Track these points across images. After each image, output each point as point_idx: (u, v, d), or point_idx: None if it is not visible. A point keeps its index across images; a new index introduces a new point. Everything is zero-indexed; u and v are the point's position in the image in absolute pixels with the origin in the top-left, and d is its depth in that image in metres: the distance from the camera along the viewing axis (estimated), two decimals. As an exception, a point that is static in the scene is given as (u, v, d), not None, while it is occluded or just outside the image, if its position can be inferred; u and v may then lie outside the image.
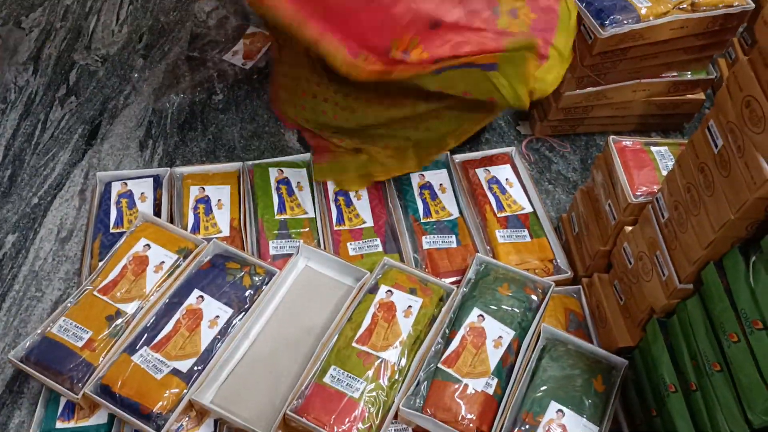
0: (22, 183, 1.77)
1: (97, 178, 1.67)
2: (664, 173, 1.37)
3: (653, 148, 1.43)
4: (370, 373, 1.25)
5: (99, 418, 1.27)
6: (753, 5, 1.63)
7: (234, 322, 1.34)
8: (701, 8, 1.61)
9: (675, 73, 1.78)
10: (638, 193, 1.34)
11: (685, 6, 1.61)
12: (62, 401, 1.28)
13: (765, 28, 0.94)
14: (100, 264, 1.43)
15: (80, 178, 1.77)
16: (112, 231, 1.54)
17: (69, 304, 1.35)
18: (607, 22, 1.59)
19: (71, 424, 1.26)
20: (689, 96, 1.82)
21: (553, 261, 1.53)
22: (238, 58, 2.15)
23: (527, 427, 1.20)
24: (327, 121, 1.62)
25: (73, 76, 2.09)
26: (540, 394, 1.24)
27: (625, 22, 1.59)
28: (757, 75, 0.98)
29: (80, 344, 1.28)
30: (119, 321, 1.32)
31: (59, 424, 1.26)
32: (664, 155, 1.41)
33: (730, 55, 2.01)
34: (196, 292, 1.37)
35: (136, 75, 2.08)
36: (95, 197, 1.64)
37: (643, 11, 1.60)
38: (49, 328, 1.31)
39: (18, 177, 1.78)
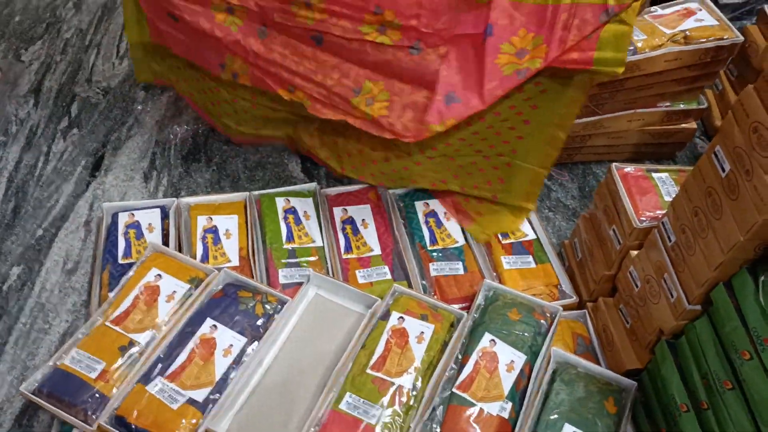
0: (26, 215, 1.77)
1: (103, 209, 1.67)
2: (667, 198, 1.41)
3: (654, 175, 1.47)
4: (385, 399, 1.26)
5: (114, 450, 1.26)
6: (742, 38, 1.70)
7: (247, 350, 1.35)
8: (694, 41, 1.67)
9: (668, 103, 1.84)
10: (643, 218, 1.38)
11: (678, 39, 1.67)
12: (75, 432, 1.28)
13: (770, 57, 0.98)
14: (111, 294, 1.43)
15: (85, 210, 1.78)
16: (120, 262, 1.54)
17: (80, 335, 1.35)
18: (604, 54, 1.63)
19: (85, 456, 1.25)
20: (682, 125, 1.87)
21: (558, 286, 1.55)
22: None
23: (543, 450, 1.21)
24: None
25: (74, 108, 2.11)
26: (554, 417, 1.25)
27: (623, 54, 1.64)
28: (763, 102, 1.03)
29: (94, 375, 1.28)
30: (133, 351, 1.32)
31: (73, 456, 1.25)
32: (665, 181, 1.45)
33: (717, 87, 2.07)
34: (209, 321, 1.37)
35: (138, 107, 2.10)
36: (102, 228, 1.64)
37: (640, 44, 1.65)
38: (61, 360, 1.31)
39: (22, 209, 1.78)
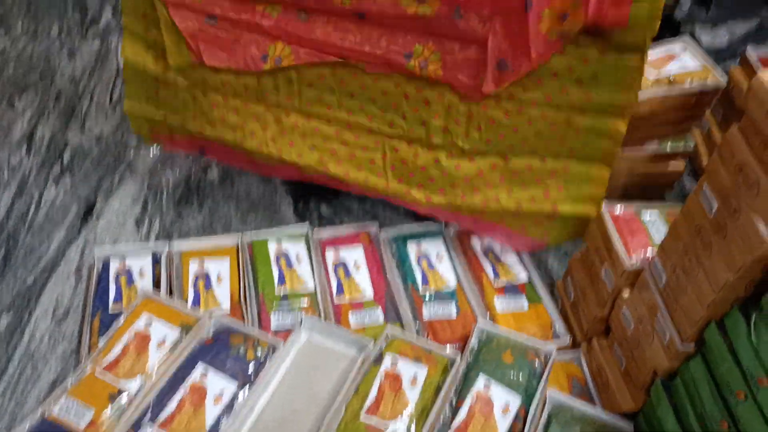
0: (16, 263, 1.76)
1: (94, 255, 1.66)
2: (656, 238, 1.41)
3: (643, 214, 1.48)
4: (379, 444, 1.24)
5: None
6: (725, 81, 1.73)
7: (239, 396, 1.33)
8: (678, 84, 1.70)
9: (655, 144, 1.86)
10: (634, 259, 1.38)
11: (663, 82, 1.70)
12: (63, 484, 1.25)
13: (754, 99, 1.00)
14: (101, 342, 1.42)
15: (76, 256, 1.77)
16: (111, 308, 1.53)
17: (69, 384, 1.33)
18: (592, 97, 1.66)
19: None
20: (670, 166, 1.89)
21: (552, 327, 1.55)
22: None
23: (541, 494, 1.19)
24: None
25: (67, 155, 2.12)
26: (551, 460, 1.24)
27: (611, 96, 1.67)
28: (748, 142, 1.04)
29: (82, 425, 1.26)
30: (122, 399, 1.31)
31: None
32: (655, 222, 1.46)
33: (704, 127, 2.10)
34: (200, 367, 1.35)
35: (131, 153, 2.11)
36: (93, 275, 1.63)
37: (625, 87, 1.68)
38: (48, 410, 1.29)
39: (12, 256, 1.77)
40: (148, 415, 1.28)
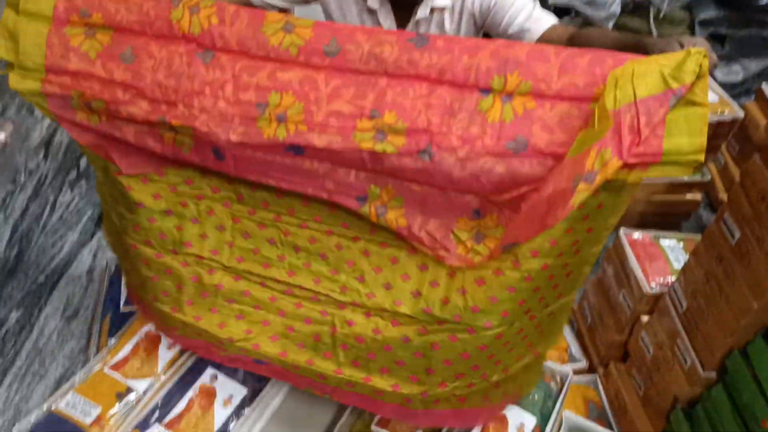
0: (28, 261, 1.74)
1: (106, 258, 1.66)
2: (676, 265, 1.41)
3: (662, 242, 1.48)
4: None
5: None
6: (742, 113, 1.74)
7: (248, 401, 1.31)
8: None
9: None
10: (653, 284, 1.37)
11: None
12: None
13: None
14: (111, 341, 1.40)
15: (89, 258, 1.77)
16: (122, 310, 1.52)
17: (77, 381, 1.31)
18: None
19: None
20: (687, 196, 1.89)
21: (567, 350, 1.53)
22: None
23: None
24: None
25: (83, 161, 2.11)
26: (566, 483, 1.21)
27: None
28: (770, 170, 1.05)
29: (89, 421, 1.24)
30: (130, 398, 1.29)
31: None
32: (674, 248, 1.46)
33: (719, 161, 2.11)
34: (210, 371, 1.34)
35: (147, 161, 2.11)
36: (105, 277, 1.62)
37: (644, 116, 1.69)
38: (55, 404, 1.27)
39: (25, 255, 1.76)
40: (156, 414, 1.26)
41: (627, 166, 0.92)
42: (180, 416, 1.26)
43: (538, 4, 1.26)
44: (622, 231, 1.48)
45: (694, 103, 0.90)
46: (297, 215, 1.19)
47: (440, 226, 1.11)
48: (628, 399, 1.37)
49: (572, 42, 1.20)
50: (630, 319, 1.41)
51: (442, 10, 1.30)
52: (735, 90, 2.38)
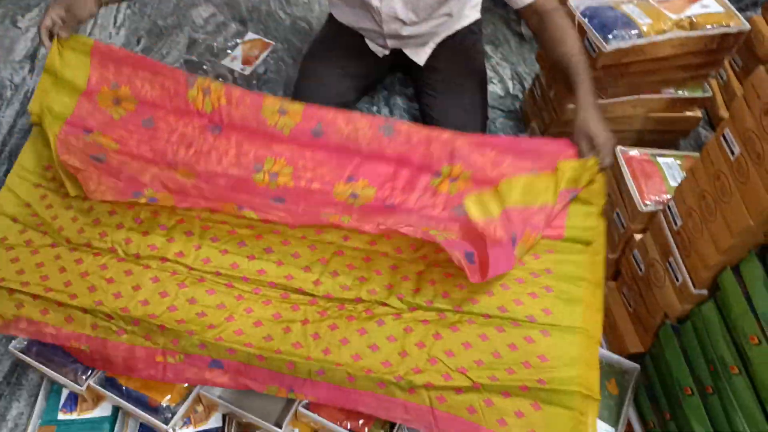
0: (18, 180, 1.73)
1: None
2: (672, 183, 1.40)
3: (659, 159, 1.46)
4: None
5: (103, 411, 1.25)
6: (748, 26, 1.68)
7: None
8: (700, 27, 1.65)
9: (672, 90, 1.83)
10: (648, 202, 1.37)
11: (684, 24, 1.65)
12: (64, 393, 1.27)
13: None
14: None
15: (79, 177, 1.74)
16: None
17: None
18: (610, 36, 1.62)
19: (74, 416, 1.24)
20: (687, 113, 1.86)
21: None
22: (237, 64, 2.15)
23: (545, 429, 1.20)
24: None
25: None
26: (556, 396, 1.25)
27: (628, 37, 1.62)
28: (775, 84, 1.02)
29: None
30: (126, 316, 1.30)
31: (61, 416, 1.24)
32: (671, 166, 1.44)
33: (721, 77, 2.07)
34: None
35: (134, 77, 2.06)
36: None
37: (645, 28, 1.63)
38: (51, 321, 1.29)
39: (14, 174, 1.74)
40: (155, 335, 1.27)
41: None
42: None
43: None
44: (618, 149, 1.46)
45: (589, 204, 1.26)
46: (270, 224, 1.31)
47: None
48: (618, 316, 1.40)
49: (545, 24, 1.46)
50: (623, 237, 1.42)
51: None
52: (741, 2, 2.31)
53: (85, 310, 1.21)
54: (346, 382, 1.13)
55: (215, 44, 2.19)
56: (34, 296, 1.23)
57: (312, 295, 1.23)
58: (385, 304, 1.21)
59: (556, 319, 1.14)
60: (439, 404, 1.10)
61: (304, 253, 1.28)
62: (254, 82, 2.08)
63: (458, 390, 1.09)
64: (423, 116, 1.90)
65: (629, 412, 1.28)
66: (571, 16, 1.64)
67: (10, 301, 1.23)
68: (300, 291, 1.24)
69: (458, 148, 1.34)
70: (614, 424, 1.22)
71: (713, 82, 2.06)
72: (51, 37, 1.41)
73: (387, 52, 1.72)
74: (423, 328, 1.16)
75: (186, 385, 1.22)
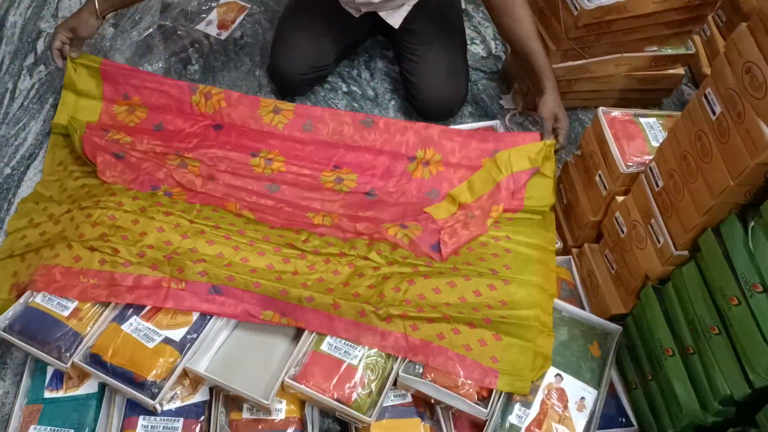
0: (-8, 153, 1.70)
1: (73, 147, 1.61)
2: (654, 144, 1.39)
3: (641, 119, 1.45)
4: (366, 342, 1.24)
5: (89, 388, 1.24)
6: (733, -19, 1.66)
7: (226, 291, 1.31)
8: (683, -18, 1.63)
9: (655, 48, 1.80)
10: (629, 164, 1.36)
11: (667, -20, 1.63)
12: (49, 371, 1.25)
13: (767, -7, 0.96)
14: (84, 233, 1.38)
15: (54, 148, 1.71)
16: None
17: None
18: (592, -6, 1.59)
19: (60, 394, 1.23)
20: (669, 71, 1.84)
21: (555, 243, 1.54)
22: (213, 28, 2.09)
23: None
24: None
25: (40, 44, 2.01)
26: (538, 359, 1.25)
27: (610, -6, 1.60)
28: (757, 41, 1.00)
29: (66, 313, 1.24)
30: (106, 291, 1.29)
31: (47, 394, 1.23)
32: (653, 126, 1.43)
33: (705, 33, 2.04)
34: (185, 264, 1.33)
35: (107, 44, 2.01)
36: (72, 166, 1.59)
37: (627, -16, 1.61)
38: (31, 299, 1.27)
39: (-12, 147, 1.72)
40: (134, 306, 1.27)
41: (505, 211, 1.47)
42: (157, 308, 1.27)
43: None
44: (600, 110, 1.44)
45: (544, 176, 1.49)
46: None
47: (373, 225, 1.46)
48: (601, 278, 1.40)
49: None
50: (605, 199, 1.41)
51: None
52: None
53: (92, 249, 1.33)
54: (332, 309, 1.27)
55: (189, 8, 2.13)
56: (51, 246, 1.36)
57: (301, 250, 1.39)
58: (366, 258, 1.37)
59: (514, 273, 1.34)
60: (412, 332, 1.24)
61: (286, 234, 1.44)
62: (231, 47, 2.04)
63: (430, 320, 1.25)
64: (403, 80, 1.87)
65: (611, 374, 1.29)
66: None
67: (36, 259, 1.36)
68: (290, 246, 1.40)
69: (430, 135, 1.59)
70: (597, 385, 1.23)
71: (696, 38, 2.04)
72: (63, 57, 1.64)
73: (361, 12, 1.68)
74: (399, 277, 1.33)
75: (171, 359, 1.21)
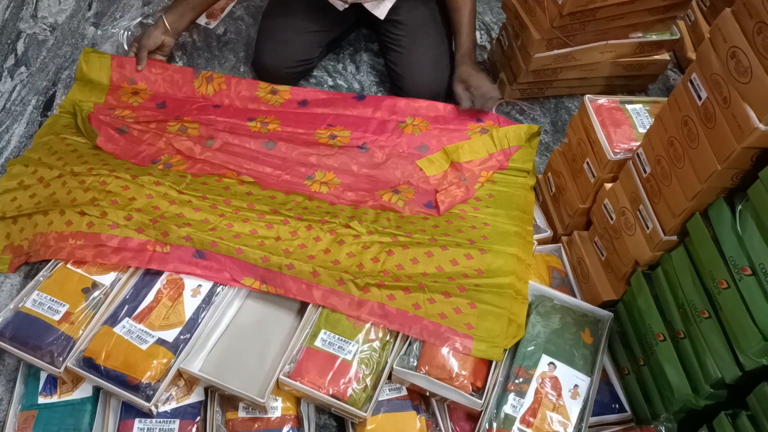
0: (-25, 157, 1.68)
1: (58, 149, 1.59)
2: (641, 130, 1.39)
3: (628, 106, 1.45)
4: (360, 335, 1.24)
5: (83, 392, 1.23)
6: (715, -35, 1.67)
7: (217, 290, 1.31)
8: (666, -33, 1.63)
9: (640, 34, 1.81)
10: (617, 151, 1.36)
11: (650, -35, 1.63)
12: (43, 376, 1.24)
13: (753, -22, 0.96)
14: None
15: (38, 150, 1.69)
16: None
17: (42, 278, 1.30)
18: (576, -18, 1.59)
19: (54, 399, 1.22)
20: (655, 57, 1.85)
21: (533, 221, 1.54)
22: (202, 18, 2.07)
23: (521, 380, 1.22)
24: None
25: (20, 45, 1.99)
26: (531, 348, 1.26)
27: (594, -19, 1.60)
28: (741, 26, 1.00)
29: (57, 318, 1.23)
30: (96, 293, 1.28)
31: (41, 400, 1.22)
32: (639, 113, 1.43)
33: (689, 18, 2.05)
34: (175, 262, 1.32)
35: (88, 43, 1.99)
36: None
37: (611, -29, 1.61)
38: (22, 303, 1.26)
39: (-29, 151, 1.70)
40: (125, 308, 1.26)
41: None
42: (149, 308, 1.26)
43: None
44: (587, 98, 1.44)
45: (528, 146, 1.65)
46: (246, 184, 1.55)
47: (365, 193, 1.54)
48: (591, 265, 1.40)
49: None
50: (594, 186, 1.41)
51: None
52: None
53: (82, 213, 1.38)
54: (311, 277, 1.31)
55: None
56: (45, 213, 1.41)
57: (285, 215, 1.43)
58: (347, 226, 1.41)
59: (492, 243, 1.38)
60: (389, 301, 1.28)
61: (278, 196, 1.51)
62: (214, 44, 2.02)
63: (406, 290, 1.29)
64: (389, 72, 1.87)
65: (604, 360, 1.30)
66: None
67: (29, 225, 1.42)
68: (274, 212, 1.44)
69: (418, 107, 1.74)
70: (589, 372, 1.24)
71: (681, 23, 2.04)
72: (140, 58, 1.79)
73: (347, 5, 1.68)
74: (378, 247, 1.38)
75: (165, 360, 1.20)
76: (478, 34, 2.12)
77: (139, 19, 2.05)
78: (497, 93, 1.68)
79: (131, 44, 1.83)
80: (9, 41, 2.00)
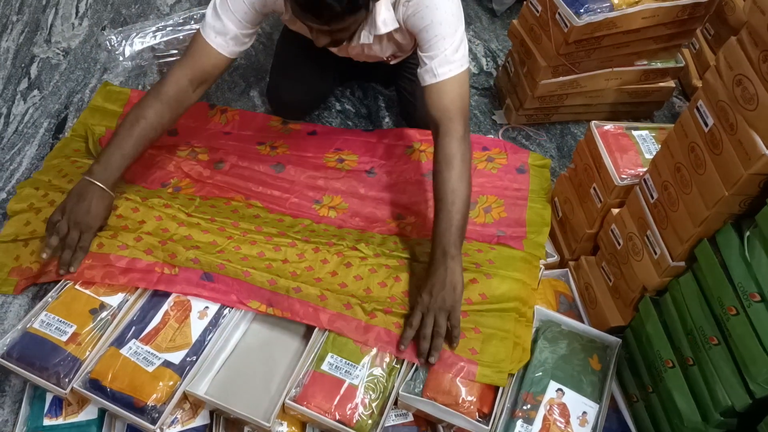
0: (-13, 178, 1.70)
1: (68, 172, 1.61)
2: (647, 156, 1.40)
3: (634, 132, 1.46)
4: (367, 359, 1.24)
5: (89, 414, 1.22)
6: (719, -5, 1.69)
7: (224, 312, 1.31)
8: (670, -3, 1.65)
9: (645, 62, 1.82)
10: (624, 176, 1.37)
11: (655, -6, 1.65)
12: (48, 397, 1.23)
13: (755, 9, 0.97)
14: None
15: (49, 172, 1.71)
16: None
17: (50, 299, 1.30)
18: (582, 11, 1.61)
19: (59, 421, 1.21)
20: (660, 84, 1.86)
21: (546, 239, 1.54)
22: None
23: (528, 406, 1.21)
24: None
25: (34, 69, 2.02)
26: (539, 374, 1.25)
27: (599, 10, 1.62)
28: (746, 54, 1.01)
29: (64, 338, 1.23)
30: (104, 314, 1.28)
31: (47, 421, 1.20)
32: (645, 139, 1.44)
33: (693, 46, 2.07)
34: (183, 284, 1.33)
35: (100, 67, 2.02)
36: (67, 191, 1.58)
37: (616, 0, 1.63)
38: (30, 324, 1.26)
39: (-17, 173, 1.71)
40: (132, 330, 1.25)
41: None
42: (156, 330, 1.25)
43: (457, 43, 1.36)
44: (593, 123, 1.45)
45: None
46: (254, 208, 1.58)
47: (372, 218, 1.58)
48: (598, 291, 1.40)
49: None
50: (601, 211, 1.42)
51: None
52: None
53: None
54: (318, 300, 1.31)
55: (181, 35, 2.13)
56: None
57: (292, 237, 1.45)
58: (354, 248, 1.42)
59: (498, 268, 1.38)
60: (395, 328, 1.28)
61: (286, 219, 1.55)
62: (224, 68, 2.04)
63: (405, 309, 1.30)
64: (399, 98, 1.88)
65: (612, 387, 1.29)
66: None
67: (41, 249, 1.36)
68: (281, 234, 1.45)
69: (424, 133, 1.73)
70: (598, 399, 1.23)
71: (686, 51, 2.06)
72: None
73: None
74: (385, 271, 1.39)
75: (171, 382, 1.20)
76: (483, 61, 2.15)
77: (151, 45, 2.08)
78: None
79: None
80: (23, 65, 2.03)
